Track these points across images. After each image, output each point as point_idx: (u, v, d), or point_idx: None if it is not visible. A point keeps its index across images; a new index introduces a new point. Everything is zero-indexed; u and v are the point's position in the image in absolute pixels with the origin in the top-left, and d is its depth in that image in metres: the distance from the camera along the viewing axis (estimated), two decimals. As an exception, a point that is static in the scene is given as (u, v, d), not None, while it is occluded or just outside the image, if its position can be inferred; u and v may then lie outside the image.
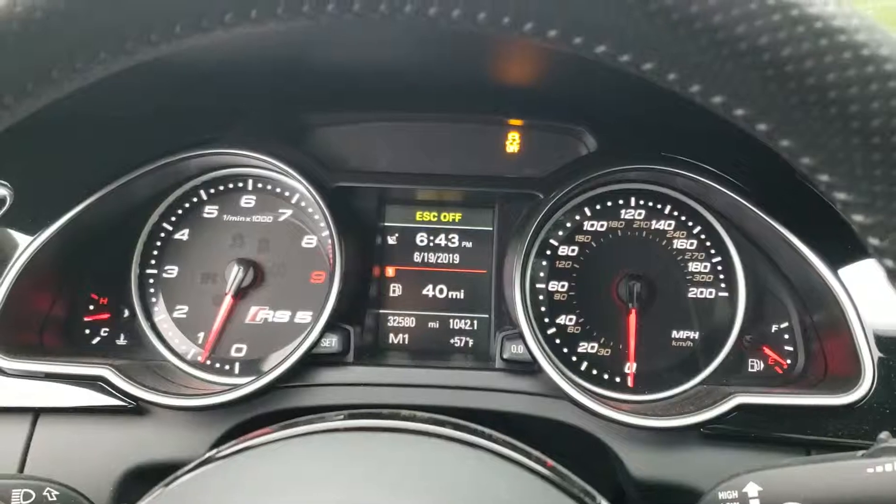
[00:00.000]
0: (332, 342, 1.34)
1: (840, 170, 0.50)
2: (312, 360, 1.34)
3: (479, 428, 0.69)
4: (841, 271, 1.29)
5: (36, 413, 1.27)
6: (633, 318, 1.44)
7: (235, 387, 1.28)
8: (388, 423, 0.67)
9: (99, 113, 1.42)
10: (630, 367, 1.45)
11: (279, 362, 1.32)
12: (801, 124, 0.50)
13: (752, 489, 0.95)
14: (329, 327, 1.34)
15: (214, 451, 0.67)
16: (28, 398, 1.27)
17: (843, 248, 1.30)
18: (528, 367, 1.34)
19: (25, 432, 1.25)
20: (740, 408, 1.20)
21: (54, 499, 0.89)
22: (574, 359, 1.47)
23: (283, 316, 1.51)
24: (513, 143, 1.53)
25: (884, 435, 0.93)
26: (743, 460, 1.04)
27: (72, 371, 1.28)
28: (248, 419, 1.29)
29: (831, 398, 1.19)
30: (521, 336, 1.33)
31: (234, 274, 1.47)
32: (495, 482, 0.61)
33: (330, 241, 1.40)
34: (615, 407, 1.27)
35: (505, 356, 1.35)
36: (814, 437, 1.19)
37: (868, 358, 1.20)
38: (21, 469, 1.22)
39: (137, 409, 1.26)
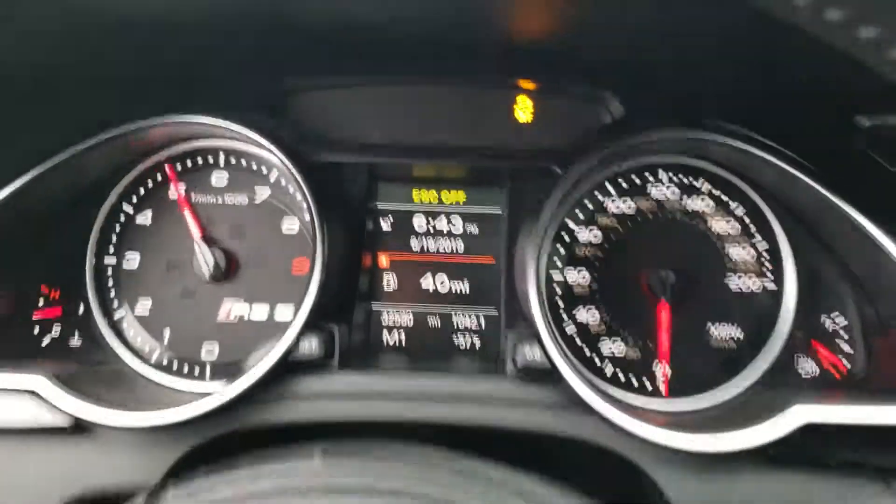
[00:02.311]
0: (312, 345, 1.13)
1: None
2: (291, 367, 1.13)
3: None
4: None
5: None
6: (665, 313, 1.24)
7: (193, 402, 1.07)
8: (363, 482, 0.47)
9: (54, 78, 1.21)
10: (663, 369, 1.25)
11: (249, 372, 1.12)
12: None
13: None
14: (309, 326, 1.14)
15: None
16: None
17: None
18: (545, 376, 1.13)
19: None
20: (808, 428, 0.99)
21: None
22: (598, 363, 1.27)
23: (260, 312, 1.32)
24: (525, 110, 1.32)
25: None
26: (810, 488, 0.84)
27: (-1, 382, 1.07)
28: (210, 440, 1.08)
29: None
30: (536, 337, 1.13)
31: (204, 255, 1.28)
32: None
33: (311, 224, 1.20)
34: (650, 419, 1.06)
35: (519, 364, 1.14)
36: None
37: None
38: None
39: (78, 427, 1.06)
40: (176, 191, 1.33)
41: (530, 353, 1.13)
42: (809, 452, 1.01)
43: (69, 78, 1.25)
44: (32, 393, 1.05)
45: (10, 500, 1.01)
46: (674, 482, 1.02)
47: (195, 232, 1.31)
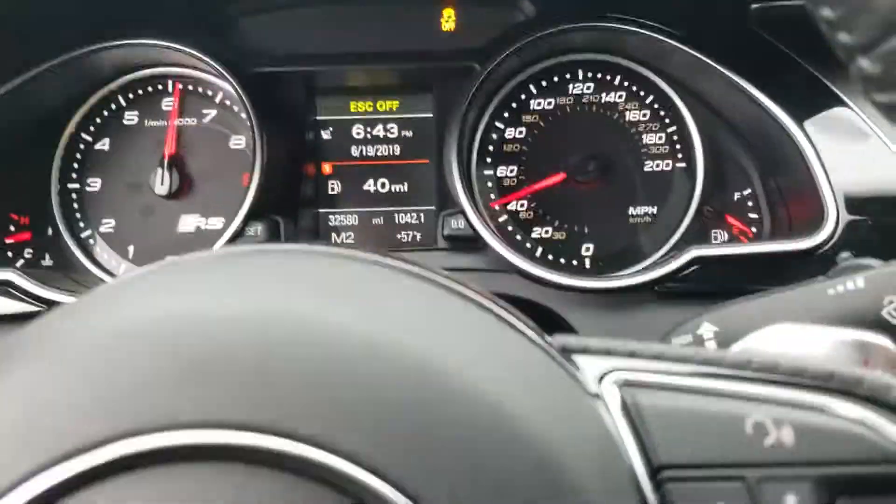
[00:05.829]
0: (256, 230, 1.24)
1: None
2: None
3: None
4: (805, 123, 1.20)
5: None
6: (555, 178, 1.37)
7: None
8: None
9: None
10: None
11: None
12: None
13: (706, 330, 0.87)
14: (254, 215, 1.24)
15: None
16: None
17: (806, 100, 1.21)
18: (472, 245, 1.25)
19: None
20: (696, 261, 1.12)
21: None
22: (528, 245, 1.39)
23: (216, 223, 1.42)
24: (448, 20, 1.42)
25: (844, 254, 0.85)
26: (696, 312, 0.96)
27: (-29, 277, 1.17)
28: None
29: (792, 244, 1.11)
30: (462, 213, 1.24)
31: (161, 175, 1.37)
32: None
33: (251, 132, 1.30)
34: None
35: (446, 233, 1.26)
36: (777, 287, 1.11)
37: (830, 199, 1.12)
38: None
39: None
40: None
41: (455, 224, 1.25)
42: (701, 287, 1.14)
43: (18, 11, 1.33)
44: (5, 283, 1.16)
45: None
46: (583, 321, 1.15)
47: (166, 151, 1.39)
